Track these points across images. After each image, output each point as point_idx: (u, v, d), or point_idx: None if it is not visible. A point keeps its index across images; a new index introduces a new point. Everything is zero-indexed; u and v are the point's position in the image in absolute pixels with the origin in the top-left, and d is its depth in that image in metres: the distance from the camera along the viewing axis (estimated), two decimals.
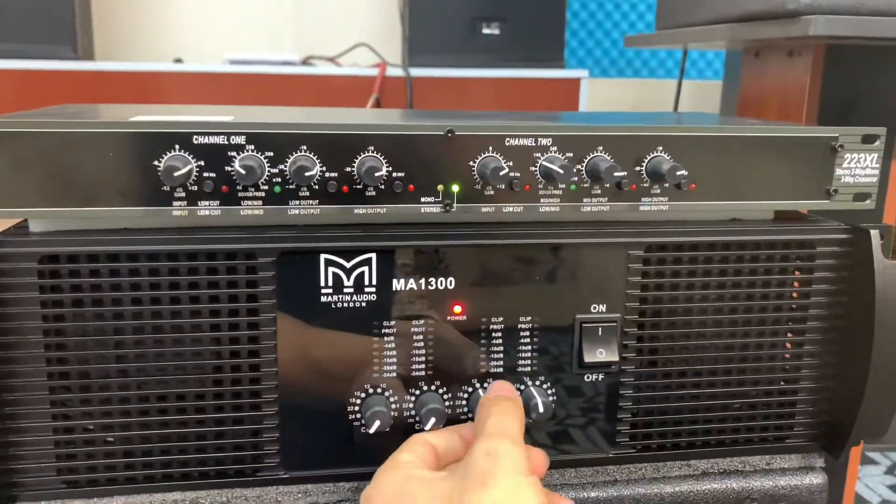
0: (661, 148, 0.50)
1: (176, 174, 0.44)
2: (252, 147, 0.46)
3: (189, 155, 0.45)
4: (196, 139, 0.45)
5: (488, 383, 0.50)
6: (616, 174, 0.49)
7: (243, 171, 0.45)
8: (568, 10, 2.31)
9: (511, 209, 0.49)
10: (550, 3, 1.76)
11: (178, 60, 1.91)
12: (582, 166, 0.49)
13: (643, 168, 0.50)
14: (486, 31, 1.76)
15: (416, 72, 1.73)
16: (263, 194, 0.47)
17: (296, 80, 1.78)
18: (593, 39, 2.42)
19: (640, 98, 2.37)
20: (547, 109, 1.75)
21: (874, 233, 0.51)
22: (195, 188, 0.46)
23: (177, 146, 0.45)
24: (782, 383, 0.54)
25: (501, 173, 0.47)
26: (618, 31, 2.40)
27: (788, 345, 0.54)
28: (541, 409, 0.49)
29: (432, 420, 0.48)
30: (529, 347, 0.50)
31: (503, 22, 1.76)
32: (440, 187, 0.48)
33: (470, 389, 0.50)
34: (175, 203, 0.46)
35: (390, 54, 1.89)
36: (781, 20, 0.85)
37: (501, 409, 0.45)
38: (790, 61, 1.03)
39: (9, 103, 1.61)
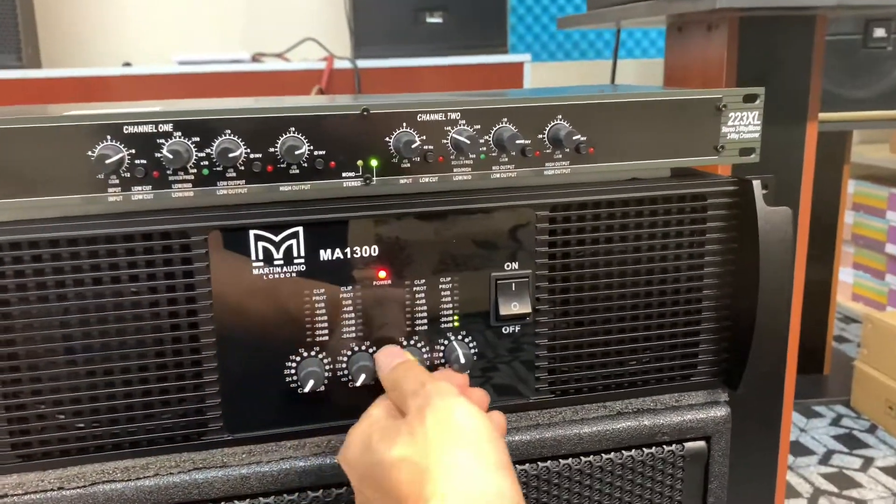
0: (560, 116, 0.54)
1: (108, 161, 0.47)
2: (179, 133, 0.49)
3: (120, 144, 0.49)
4: (126, 129, 0.49)
5: (414, 341, 0.55)
6: (519, 142, 0.53)
7: (171, 156, 0.48)
8: None
9: (426, 180, 0.54)
10: None
11: (127, 64, 1.91)
12: (489, 137, 0.54)
13: (545, 136, 0.54)
14: (429, 20, 1.80)
15: (363, 63, 1.77)
16: (193, 177, 0.50)
17: (246, 77, 1.80)
18: (539, 24, 2.47)
19: (584, 79, 2.43)
20: None
21: (756, 182, 0.56)
22: (128, 175, 0.49)
23: (108, 136, 0.48)
24: (685, 326, 0.59)
25: (414, 146, 0.52)
26: (562, 14, 2.45)
27: (688, 290, 0.59)
28: (462, 361, 0.53)
29: (362, 376, 0.52)
30: (450, 305, 0.55)
31: (446, 10, 1.80)
32: (360, 163, 0.52)
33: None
34: (110, 189, 0.49)
35: (338, 48, 1.92)
36: None
37: (405, 368, 0.50)
38: (709, 35, 1.08)
39: None
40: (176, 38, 2.15)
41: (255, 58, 1.93)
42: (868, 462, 1.67)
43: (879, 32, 1.75)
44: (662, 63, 2.49)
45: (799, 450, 1.72)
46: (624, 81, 2.48)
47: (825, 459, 1.68)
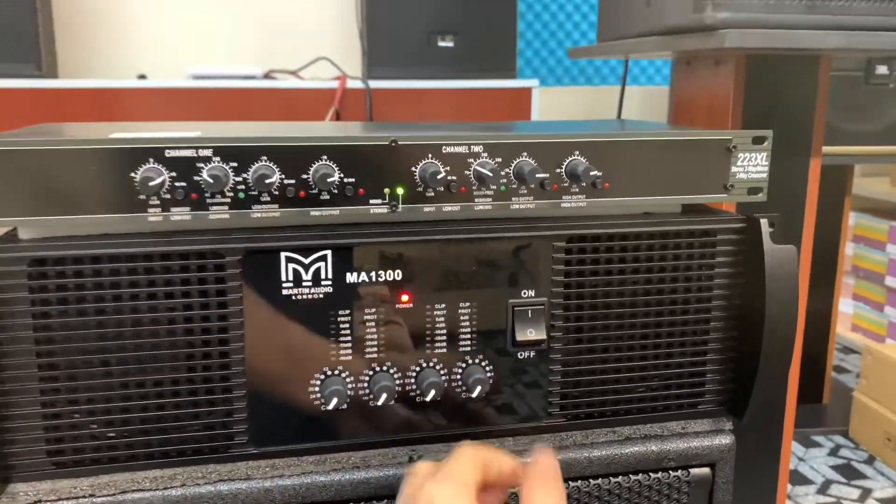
0: (577, 152, 0.57)
1: (151, 184, 0.50)
2: (218, 158, 0.52)
3: (162, 167, 0.51)
4: (168, 153, 0.51)
5: (433, 363, 0.57)
6: (538, 176, 0.56)
7: (211, 180, 0.51)
8: (521, 20, 2.41)
9: (449, 209, 0.56)
10: (502, 16, 1.84)
11: (142, 76, 1.95)
12: (510, 170, 0.56)
13: (563, 170, 0.57)
14: (441, 43, 1.84)
15: (375, 84, 1.80)
16: (229, 200, 0.53)
17: (258, 93, 1.83)
18: (547, 49, 2.51)
19: (590, 105, 2.47)
20: (500, 118, 1.83)
21: (764, 221, 0.59)
22: (168, 196, 0.52)
23: (151, 159, 0.51)
24: (693, 356, 0.61)
25: (439, 177, 0.54)
26: (570, 40, 2.49)
27: (696, 321, 0.61)
28: (479, 386, 0.56)
29: (383, 396, 0.55)
30: (469, 330, 0.57)
31: (457, 35, 1.83)
32: (387, 190, 0.55)
33: (417, 369, 0.57)
34: (150, 210, 0.52)
35: (350, 67, 1.95)
36: (702, 33, 0.94)
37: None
38: (717, 69, 1.12)
39: None
40: (191, 52, 2.18)
41: (269, 75, 1.96)
42: (866, 493, 1.68)
43: (881, 70, 1.78)
44: (667, 91, 2.53)
45: (797, 479, 1.73)
46: (629, 109, 2.52)
47: (823, 489, 1.69)
